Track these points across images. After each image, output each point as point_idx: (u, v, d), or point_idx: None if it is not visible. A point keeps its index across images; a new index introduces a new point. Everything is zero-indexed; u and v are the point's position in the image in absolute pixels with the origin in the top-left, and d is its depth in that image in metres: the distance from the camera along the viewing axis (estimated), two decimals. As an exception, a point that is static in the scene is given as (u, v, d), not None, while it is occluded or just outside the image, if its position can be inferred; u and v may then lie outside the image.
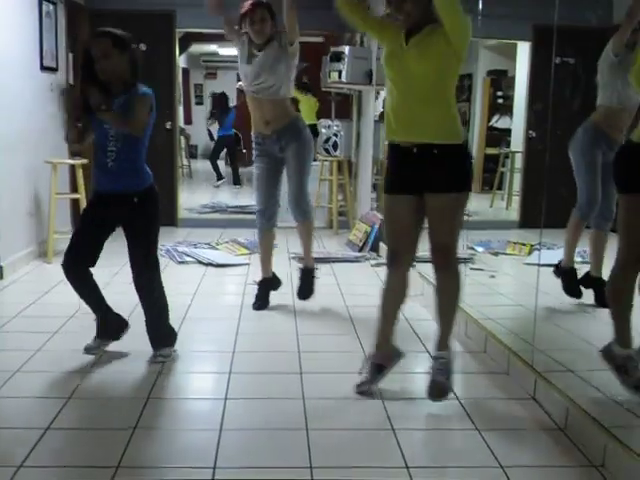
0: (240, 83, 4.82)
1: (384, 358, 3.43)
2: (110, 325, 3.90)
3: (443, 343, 3.41)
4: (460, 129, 3.21)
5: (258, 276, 5.02)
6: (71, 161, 6.57)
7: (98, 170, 3.70)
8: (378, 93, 7.31)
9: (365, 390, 3.37)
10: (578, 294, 4.51)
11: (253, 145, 4.73)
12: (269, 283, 4.94)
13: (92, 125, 3.64)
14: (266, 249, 4.86)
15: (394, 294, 3.41)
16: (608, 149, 4.21)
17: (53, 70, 6.74)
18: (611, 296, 3.17)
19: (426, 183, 3.18)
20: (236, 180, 12.17)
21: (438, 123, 3.14)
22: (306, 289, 4.92)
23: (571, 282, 4.53)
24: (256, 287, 4.94)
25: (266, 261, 4.89)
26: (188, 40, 11.00)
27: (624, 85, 4.03)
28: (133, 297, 3.86)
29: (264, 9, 4.56)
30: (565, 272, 4.54)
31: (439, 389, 3.31)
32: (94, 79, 3.55)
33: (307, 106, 10.70)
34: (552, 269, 4.58)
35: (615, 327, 3.13)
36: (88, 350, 3.85)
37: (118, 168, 3.63)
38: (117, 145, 3.60)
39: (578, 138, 4.40)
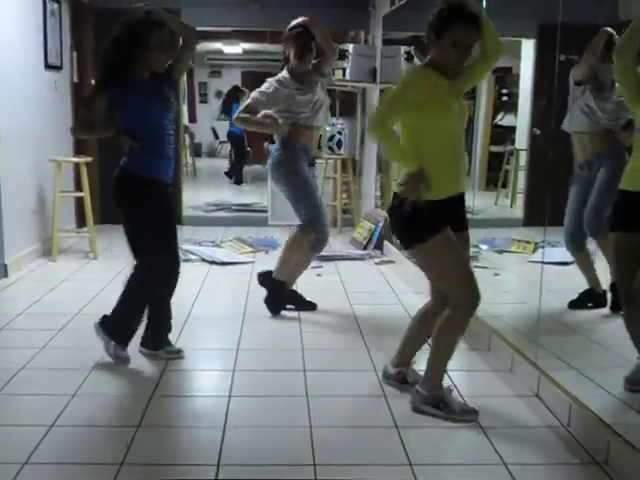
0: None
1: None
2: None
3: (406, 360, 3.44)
4: None
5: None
6: (75, 159, 6.59)
7: (166, 160, 3.69)
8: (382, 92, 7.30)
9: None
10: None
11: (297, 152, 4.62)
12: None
13: (149, 115, 3.60)
14: None
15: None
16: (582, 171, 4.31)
17: (57, 68, 6.75)
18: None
19: (458, 222, 3.18)
20: (238, 179, 12.15)
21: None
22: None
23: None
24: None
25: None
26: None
27: (591, 112, 4.19)
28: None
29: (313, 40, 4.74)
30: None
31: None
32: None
33: None
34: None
35: None
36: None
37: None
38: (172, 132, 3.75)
39: None
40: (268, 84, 4.56)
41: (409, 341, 3.45)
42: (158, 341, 3.87)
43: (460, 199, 3.18)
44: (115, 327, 3.75)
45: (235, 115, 4.66)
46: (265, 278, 4.75)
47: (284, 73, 4.62)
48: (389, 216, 3.27)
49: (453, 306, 3.13)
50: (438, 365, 3.21)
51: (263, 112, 4.54)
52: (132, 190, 3.60)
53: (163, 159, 3.65)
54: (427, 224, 3.03)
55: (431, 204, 3.01)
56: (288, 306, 4.73)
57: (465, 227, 3.24)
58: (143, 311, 3.77)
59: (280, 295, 4.69)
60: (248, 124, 4.71)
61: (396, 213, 3.13)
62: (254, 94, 4.55)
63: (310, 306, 4.80)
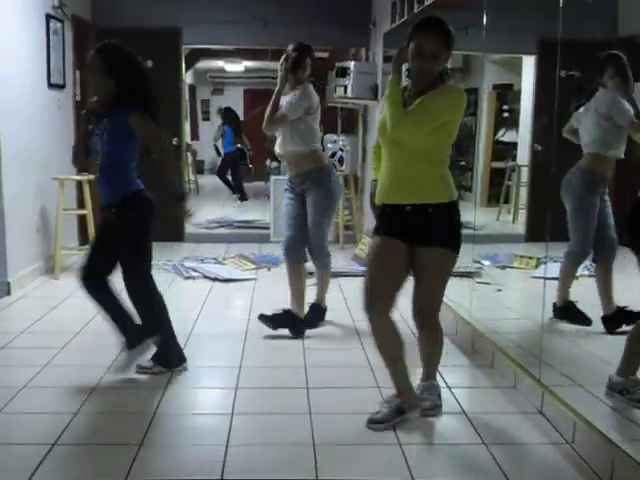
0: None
1: (405, 403, 3.28)
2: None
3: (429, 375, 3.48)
4: (451, 188, 3.23)
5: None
6: (78, 177, 6.60)
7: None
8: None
9: (379, 428, 3.18)
10: (588, 321, 4.38)
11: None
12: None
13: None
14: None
15: (389, 341, 3.29)
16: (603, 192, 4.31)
17: (60, 87, 6.79)
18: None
19: (420, 236, 3.16)
20: (243, 196, 12.18)
21: (432, 183, 3.18)
22: (312, 321, 4.79)
23: (574, 313, 4.43)
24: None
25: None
26: (195, 56, 11.07)
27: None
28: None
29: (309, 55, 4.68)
30: (564, 308, 4.44)
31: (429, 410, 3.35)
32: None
33: None
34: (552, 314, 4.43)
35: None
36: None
37: (101, 179, 3.79)
38: (100, 156, 3.74)
39: (572, 182, 4.38)
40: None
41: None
42: None
43: (417, 212, 3.15)
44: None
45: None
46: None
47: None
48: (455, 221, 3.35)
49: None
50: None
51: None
52: None
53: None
54: (379, 224, 3.30)
55: (383, 207, 3.26)
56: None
57: (430, 243, 3.16)
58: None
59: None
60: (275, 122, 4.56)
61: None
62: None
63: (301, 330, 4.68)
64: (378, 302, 3.20)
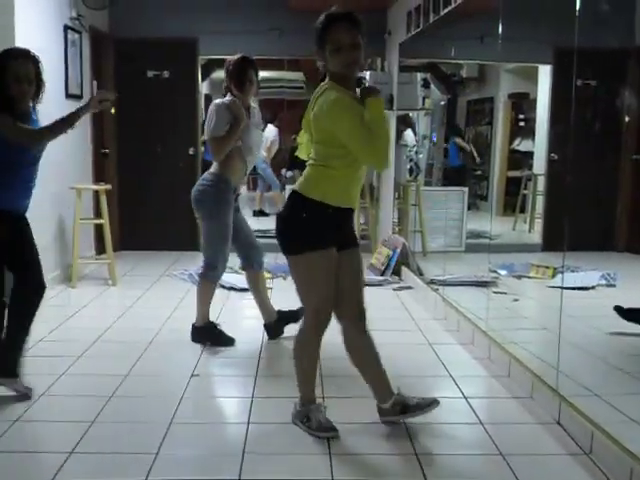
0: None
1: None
2: None
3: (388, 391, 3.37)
4: None
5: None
6: (95, 187, 6.65)
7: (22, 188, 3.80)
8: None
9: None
10: None
11: (225, 196, 4.51)
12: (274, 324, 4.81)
13: None
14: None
15: (359, 352, 3.38)
16: None
17: (78, 98, 6.83)
18: None
19: (345, 239, 3.21)
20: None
21: None
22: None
23: None
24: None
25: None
26: (211, 66, 11.11)
27: None
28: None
29: (253, 69, 4.54)
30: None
31: None
32: None
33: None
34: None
35: None
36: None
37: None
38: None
39: None
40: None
41: (366, 376, 3.42)
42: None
43: (350, 214, 3.22)
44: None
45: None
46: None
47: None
48: (282, 217, 3.19)
49: (303, 322, 3.30)
50: (299, 379, 3.34)
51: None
52: None
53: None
54: (318, 234, 3.08)
55: (331, 211, 3.07)
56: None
57: (356, 243, 3.30)
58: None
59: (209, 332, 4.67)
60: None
61: (292, 216, 3.13)
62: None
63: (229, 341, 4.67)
64: (335, 315, 3.28)
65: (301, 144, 10.81)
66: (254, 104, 4.69)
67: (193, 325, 4.65)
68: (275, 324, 4.75)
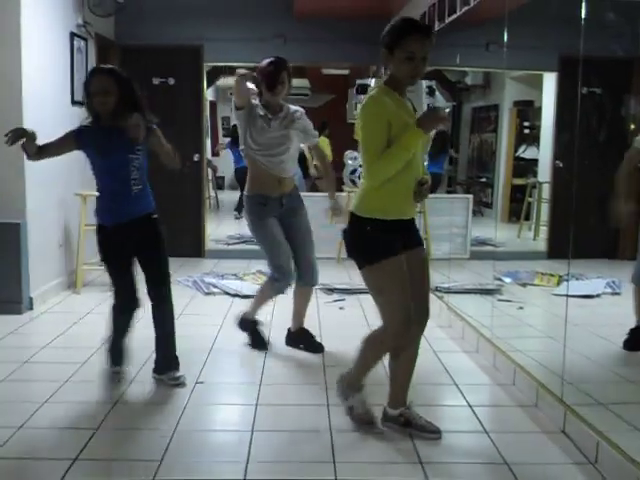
0: (242, 147, 4.50)
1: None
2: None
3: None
4: None
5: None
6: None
7: (116, 201, 3.80)
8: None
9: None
10: None
11: (254, 206, 4.44)
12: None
13: (101, 158, 3.80)
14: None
15: (409, 359, 3.34)
16: None
17: (83, 104, 6.84)
18: None
19: (410, 240, 3.21)
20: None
21: None
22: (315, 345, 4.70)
23: None
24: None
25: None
26: (216, 73, 11.15)
27: None
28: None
29: (286, 71, 4.51)
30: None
31: None
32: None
33: (324, 145, 10.80)
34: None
35: None
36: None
37: (143, 192, 3.81)
38: (139, 172, 3.77)
39: None
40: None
41: (392, 382, 3.41)
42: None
43: (412, 223, 3.23)
44: (174, 356, 3.99)
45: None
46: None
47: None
48: (347, 235, 3.20)
49: (384, 327, 3.21)
50: (359, 370, 3.35)
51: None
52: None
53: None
54: (383, 245, 3.07)
55: (387, 225, 3.07)
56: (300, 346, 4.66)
57: (420, 243, 3.28)
58: (118, 335, 3.93)
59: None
60: None
61: (355, 233, 3.15)
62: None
63: (318, 348, 4.65)
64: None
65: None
66: (296, 109, 4.60)
67: (243, 313, 4.76)
68: (294, 336, 4.70)
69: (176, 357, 4.00)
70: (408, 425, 3.30)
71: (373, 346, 3.30)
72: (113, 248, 3.81)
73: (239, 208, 11.87)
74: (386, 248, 3.07)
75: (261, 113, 4.42)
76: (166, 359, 3.98)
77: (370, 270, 3.13)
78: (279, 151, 4.39)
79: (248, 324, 4.72)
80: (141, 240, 3.82)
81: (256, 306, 4.72)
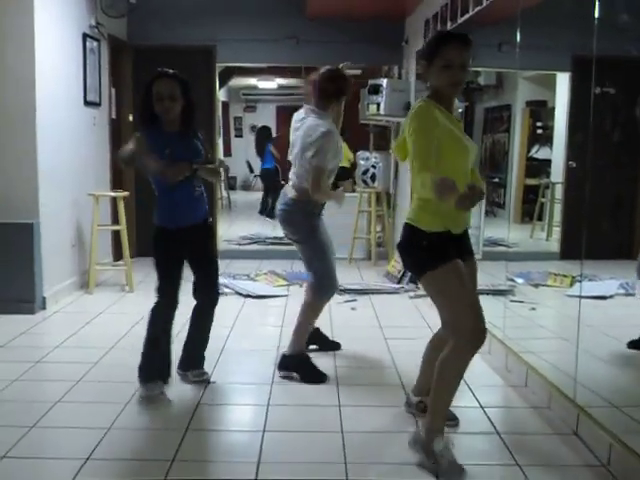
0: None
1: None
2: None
3: None
4: None
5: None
6: (113, 194, 6.68)
7: (182, 204, 3.76)
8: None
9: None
10: None
11: (313, 214, 4.19)
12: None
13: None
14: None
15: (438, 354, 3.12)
16: None
17: (96, 105, 6.89)
18: None
19: (463, 251, 3.15)
20: (271, 213, 12.19)
21: None
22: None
23: None
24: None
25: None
26: (228, 74, 11.16)
27: None
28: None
29: None
30: None
31: None
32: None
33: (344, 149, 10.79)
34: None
35: None
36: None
37: (202, 196, 3.88)
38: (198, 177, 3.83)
39: None
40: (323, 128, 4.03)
41: (425, 371, 3.41)
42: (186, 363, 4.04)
43: (465, 232, 3.19)
44: (140, 370, 3.81)
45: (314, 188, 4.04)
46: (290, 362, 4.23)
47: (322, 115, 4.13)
48: (403, 247, 3.14)
49: (456, 337, 2.98)
50: (439, 405, 3.03)
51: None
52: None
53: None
54: (439, 252, 2.99)
55: (442, 235, 3.00)
56: (312, 347, 4.57)
57: (471, 253, 3.24)
58: (156, 346, 3.82)
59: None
60: (323, 196, 4.13)
61: (411, 244, 3.08)
62: (321, 157, 3.99)
63: (334, 346, 4.67)
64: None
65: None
66: None
67: (283, 354, 4.24)
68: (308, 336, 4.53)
69: (204, 356, 4.05)
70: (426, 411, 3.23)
71: (452, 366, 2.99)
72: (171, 251, 3.76)
73: (268, 212, 11.88)
74: (443, 254, 2.99)
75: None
76: (195, 357, 4.03)
77: (431, 276, 3.01)
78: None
79: (297, 360, 4.19)
80: (197, 244, 3.84)
81: (303, 333, 4.28)
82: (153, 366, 3.80)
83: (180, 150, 3.66)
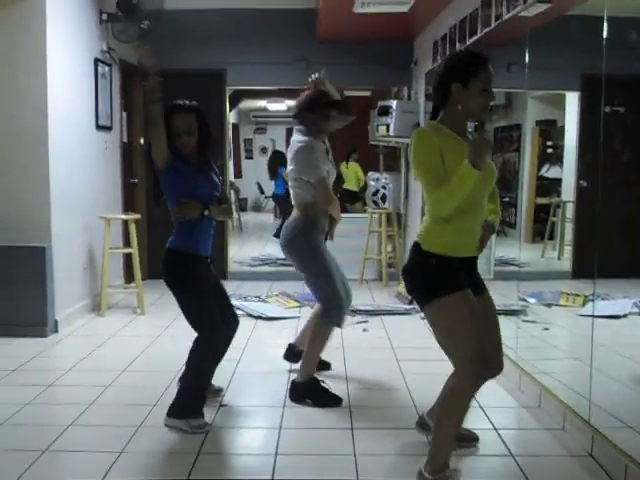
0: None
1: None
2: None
3: None
4: None
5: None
6: (124, 216, 6.72)
7: (206, 235, 3.76)
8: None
9: None
10: None
11: (313, 235, 4.22)
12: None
13: (192, 192, 3.65)
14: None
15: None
16: None
17: (108, 129, 6.94)
18: None
19: (474, 284, 3.03)
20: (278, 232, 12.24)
21: None
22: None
23: None
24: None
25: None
26: (238, 96, 11.24)
27: None
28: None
29: None
30: None
31: None
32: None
33: (355, 169, 10.86)
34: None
35: None
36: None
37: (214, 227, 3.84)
38: None
39: None
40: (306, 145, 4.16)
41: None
42: None
43: (474, 263, 3.08)
44: (187, 406, 3.68)
45: (324, 199, 4.16)
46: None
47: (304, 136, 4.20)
48: (409, 270, 3.07)
49: (456, 375, 2.93)
50: (442, 441, 2.95)
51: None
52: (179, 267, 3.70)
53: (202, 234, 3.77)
54: (449, 276, 2.90)
55: (452, 261, 2.91)
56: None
57: (484, 288, 3.12)
58: (209, 379, 3.83)
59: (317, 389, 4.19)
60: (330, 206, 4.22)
61: (418, 265, 3.00)
62: (317, 170, 4.10)
63: (324, 366, 4.58)
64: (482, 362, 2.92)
65: (347, 175, 10.84)
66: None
67: (293, 382, 4.20)
68: (297, 352, 4.59)
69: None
70: None
71: (453, 403, 2.94)
72: (205, 278, 3.74)
73: (276, 231, 11.82)
74: (452, 281, 2.89)
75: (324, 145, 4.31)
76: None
77: (436, 307, 2.91)
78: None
79: (308, 385, 4.16)
80: (213, 272, 3.87)
81: (312, 360, 4.24)
82: (198, 402, 3.71)
83: (203, 178, 3.71)
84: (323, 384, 4.19)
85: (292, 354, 4.66)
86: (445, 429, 2.93)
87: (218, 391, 4.12)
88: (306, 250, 4.17)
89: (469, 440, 3.35)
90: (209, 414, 3.81)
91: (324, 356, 4.52)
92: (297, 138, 4.20)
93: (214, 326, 3.63)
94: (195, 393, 3.71)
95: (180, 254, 3.65)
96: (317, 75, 4.44)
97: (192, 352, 3.66)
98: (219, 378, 4.07)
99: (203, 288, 3.68)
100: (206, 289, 3.69)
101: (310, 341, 4.22)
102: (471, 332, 2.86)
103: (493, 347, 3.08)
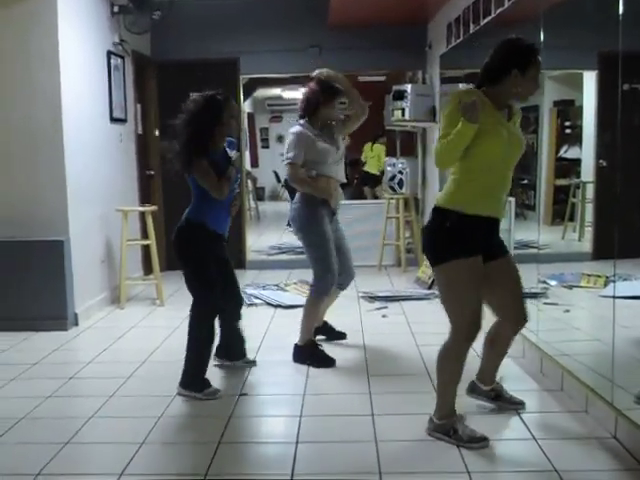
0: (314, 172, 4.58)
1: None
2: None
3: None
4: None
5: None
6: (141, 208, 6.73)
7: (226, 213, 4.14)
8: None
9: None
10: None
11: (316, 207, 4.56)
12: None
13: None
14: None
15: (500, 345, 3.58)
16: None
17: (122, 121, 6.94)
18: None
19: (493, 249, 3.32)
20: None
21: None
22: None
23: None
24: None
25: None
26: (253, 85, 11.20)
27: None
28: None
29: None
30: None
31: None
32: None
33: (378, 153, 10.82)
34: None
35: None
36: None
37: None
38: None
39: None
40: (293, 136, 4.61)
41: (486, 361, 3.64)
42: (233, 353, 4.41)
43: (496, 227, 3.31)
44: (194, 377, 3.95)
45: (291, 180, 4.68)
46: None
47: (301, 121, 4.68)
48: (425, 230, 3.33)
49: (453, 332, 3.25)
50: (444, 394, 3.30)
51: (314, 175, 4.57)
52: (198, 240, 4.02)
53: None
54: (462, 241, 3.14)
55: (471, 220, 3.14)
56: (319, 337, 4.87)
57: (506, 252, 3.41)
58: (210, 346, 4.04)
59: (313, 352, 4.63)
60: (306, 187, 4.57)
61: (434, 226, 3.23)
62: (290, 154, 4.56)
63: (340, 335, 5.02)
64: (478, 329, 3.25)
65: (371, 158, 10.88)
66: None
67: (295, 344, 4.64)
68: (316, 330, 4.85)
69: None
70: (498, 398, 3.63)
71: (449, 358, 3.29)
72: (221, 253, 4.15)
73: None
74: (464, 246, 3.14)
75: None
76: (242, 346, 4.44)
77: (443, 269, 3.20)
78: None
79: (307, 350, 4.60)
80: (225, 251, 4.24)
81: (309, 327, 4.68)
82: (201, 371, 3.98)
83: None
84: (320, 347, 4.63)
85: (324, 330, 5.00)
86: (444, 380, 3.30)
87: (252, 362, 4.48)
88: (305, 216, 4.55)
89: (515, 403, 3.66)
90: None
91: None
92: (291, 128, 4.72)
93: (212, 290, 3.96)
94: (197, 362, 3.96)
95: (201, 228, 3.98)
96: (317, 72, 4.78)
97: (190, 319, 4.00)
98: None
99: (216, 261, 4.04)
100: (216, 263, 4.04)
101: (305, 310, 4.67)
102: (472, 297, 3.18)
103: (516, 300, 3.43)
